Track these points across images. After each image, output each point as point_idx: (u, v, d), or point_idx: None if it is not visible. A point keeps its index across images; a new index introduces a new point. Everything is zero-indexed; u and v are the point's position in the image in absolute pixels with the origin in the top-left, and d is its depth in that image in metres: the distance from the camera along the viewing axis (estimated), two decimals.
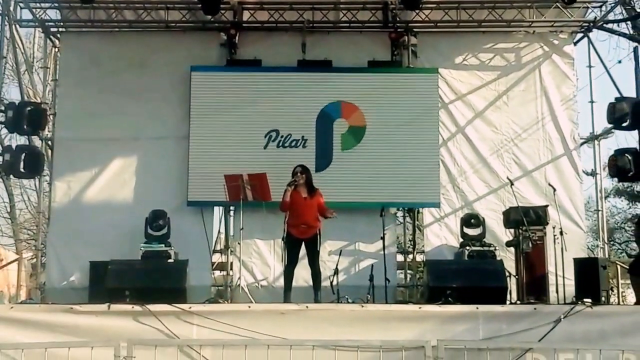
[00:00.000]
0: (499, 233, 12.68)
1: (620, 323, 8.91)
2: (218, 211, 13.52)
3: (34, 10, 13.48)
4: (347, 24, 13.76)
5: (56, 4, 13.72)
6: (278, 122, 13.20)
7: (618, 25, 16.01)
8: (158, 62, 13.50)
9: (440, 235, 13.20)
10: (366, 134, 13.20)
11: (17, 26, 13.38)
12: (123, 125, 13.20)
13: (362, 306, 9.24)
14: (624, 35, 16.33)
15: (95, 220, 12.77)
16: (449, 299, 9.42)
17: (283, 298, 10.16)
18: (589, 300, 9.44)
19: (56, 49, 14.04)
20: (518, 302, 10.72)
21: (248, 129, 13.17)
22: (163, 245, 11.83)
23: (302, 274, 10.60)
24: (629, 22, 16.22)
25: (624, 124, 12.17)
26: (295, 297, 10.11)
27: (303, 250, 10.42)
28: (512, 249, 11.97)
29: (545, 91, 13.57)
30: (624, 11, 16.03)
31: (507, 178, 12.26)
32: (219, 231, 13.86)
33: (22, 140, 13.19)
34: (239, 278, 12.22)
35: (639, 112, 11.87)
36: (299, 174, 10.47)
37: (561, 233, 11.17)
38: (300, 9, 13.54)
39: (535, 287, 11.22)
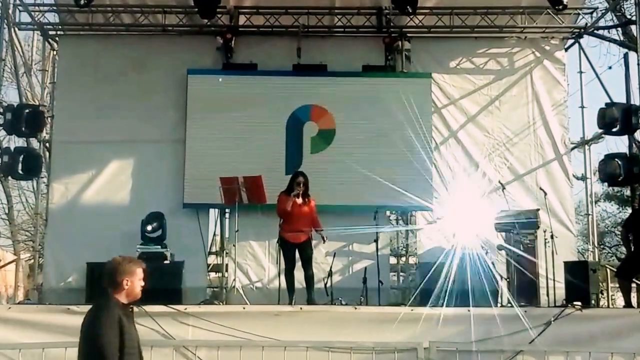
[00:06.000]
0: (491, 236, 12.76)
1: (609, 326, 9.01)
2: (214, 213, 13.53)
3: (32, 13, 13.53)
4: (342, 29, 13.86)
5: (55, 8, 13.81)
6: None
7: (609, 32, 16.25)
8: (155, 65, 13.56)
9: (433, 238, 13.20)
10: (360, 137, 13.26)
11: (16, 29, 13.35)
12: (120, 127, 13.22)
13: (356, 308, 9.31)
14: (614, 41, 16.54)
15: (92, 221, 12.80)
16: (441, 301, 9.46)
17: (288, 300, 10.19)
18: (579, 303, 9.55)
19: (54, 52, 14.08)
20: (509, 304, 10.71)
21: (244, 132, 13.23)
22: (159, 246, 11.81)
23: (297, 276, 10.66)
24: (619, 29, 16.41)
25: (614, 129, 12.30)
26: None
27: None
28: (503, 252, 12.02)
29: (537, 96, 13.66)
30: (614, 18, 16.18)
31: (499, 182, 12.30)
32: (214, 233, 13.87)
33: (20, 142, 13.26)
34: (234, 280, 12.36)
35: (629, 117, 11.93)
36: (302, 185, 10.57)
37: (552, 237, 11.23)
38: (296, 13, 13.60)
39: (526, 290, 11.22)
